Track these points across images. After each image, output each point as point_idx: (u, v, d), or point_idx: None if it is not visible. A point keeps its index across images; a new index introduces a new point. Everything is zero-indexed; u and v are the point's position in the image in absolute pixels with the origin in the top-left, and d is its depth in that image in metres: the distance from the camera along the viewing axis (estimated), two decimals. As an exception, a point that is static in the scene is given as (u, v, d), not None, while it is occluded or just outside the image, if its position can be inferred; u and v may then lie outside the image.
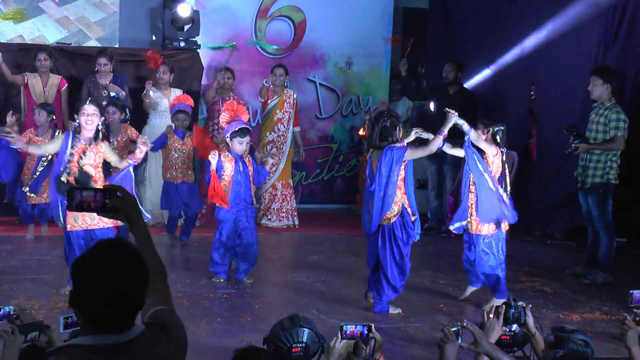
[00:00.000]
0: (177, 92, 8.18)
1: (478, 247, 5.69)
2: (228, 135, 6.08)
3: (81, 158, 5.44)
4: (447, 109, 5.51)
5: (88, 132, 5.51)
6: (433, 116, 8.50)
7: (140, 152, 5.65)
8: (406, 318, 5.50)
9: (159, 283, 2.37)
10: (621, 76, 7.13)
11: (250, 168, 6.20)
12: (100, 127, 5.55)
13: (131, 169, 5.68)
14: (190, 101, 7.42)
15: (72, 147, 5.46)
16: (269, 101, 8.68)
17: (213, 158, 6.08)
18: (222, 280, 6.19)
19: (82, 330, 2.10)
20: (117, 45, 9.40)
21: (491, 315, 3.69)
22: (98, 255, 2.11)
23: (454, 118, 5.40)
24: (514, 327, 3.80)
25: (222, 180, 6.06)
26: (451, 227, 5.95)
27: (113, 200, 2.40)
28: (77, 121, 5.56)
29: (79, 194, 2.41)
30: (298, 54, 10.10)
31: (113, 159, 5.70)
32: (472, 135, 5.52)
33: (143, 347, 2.10)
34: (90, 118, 5.47)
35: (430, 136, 5.52)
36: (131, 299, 2.10)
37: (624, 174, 6.86)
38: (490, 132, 5.65)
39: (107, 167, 6.04)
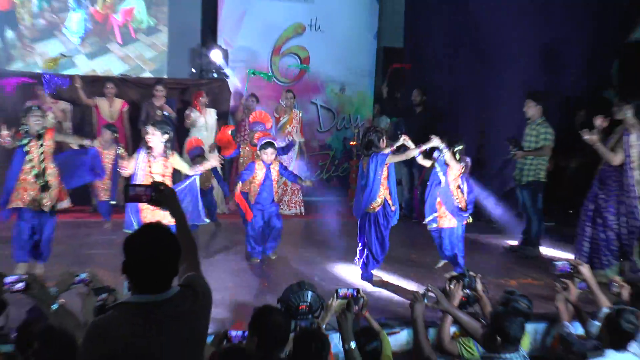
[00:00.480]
0: (211, 111, 8.26)
1: (443, 236, 5.74)
2: (258, 148, 6.05)
3: (150, 167, 5.16)
4: (431, 135, 5.47)
5: (152, 147, 5.19)
6: (403, 130, 8.55)
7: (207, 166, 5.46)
8: (386, 284, 5.54)
9: (191, 255, 2.41)
10: (549, 99, 7.18)
11: (275, 174, 6.07)
12: (166, 144, 5.15)
13: (197, 178, 5.41)
14: (201, 143, 7.05)
15: (143, 162, 5.16)
16: (281, 119, 8.73)
17: (247, 174, 6.00)
18: (258, 260, 6.07)
19: (132, 291, 2.16)
20: (165, 76, 9.45)
21: (452, 286, 3.77)
22: (142, 236, 2.15)
23: (434, 142, 5.42)
24: (467, 291, 3.88)
25: (251, 183, 6.02)
26: (426, 222, 5.87)
27: (158, 194, 2.46)
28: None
29: (133, 189, 2.46)
30: (303, 82, 10.14)
31: (183, 167, 5.35)
32: (447, 155, 5.55)
33: (175, 304, 2.15)
34: (148, 137, 5.18)
35: (412, 145, 5.51)
36: (166, 268, 2.15)
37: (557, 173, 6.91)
38: (452, 150, 5.62)
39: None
